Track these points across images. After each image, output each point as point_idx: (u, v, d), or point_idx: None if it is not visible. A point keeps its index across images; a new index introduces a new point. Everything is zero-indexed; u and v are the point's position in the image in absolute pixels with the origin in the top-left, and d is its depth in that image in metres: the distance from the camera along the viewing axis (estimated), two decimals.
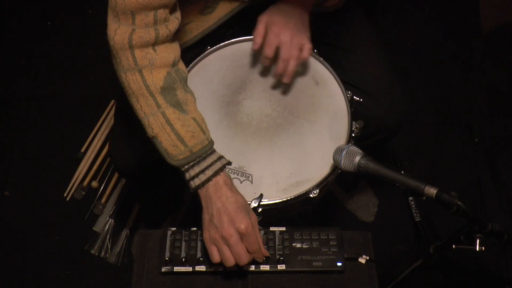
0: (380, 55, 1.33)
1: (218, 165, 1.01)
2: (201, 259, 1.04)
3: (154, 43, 0.98)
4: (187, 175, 1.01)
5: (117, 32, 0.96)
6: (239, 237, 0.96)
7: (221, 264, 0.98)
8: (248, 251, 0.97)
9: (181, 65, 1.06)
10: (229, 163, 1.04)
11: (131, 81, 0.98)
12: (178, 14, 1.04)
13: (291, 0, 1.21)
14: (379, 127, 1.30)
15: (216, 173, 1.00)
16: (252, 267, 1.04)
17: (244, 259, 0.96)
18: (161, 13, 0.97)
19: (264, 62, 1.22)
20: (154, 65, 0.98)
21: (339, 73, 1.25)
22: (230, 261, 0.96)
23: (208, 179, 0.99)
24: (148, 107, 0.99)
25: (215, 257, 0.97)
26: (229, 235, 0.95)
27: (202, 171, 1.00)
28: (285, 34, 1.17)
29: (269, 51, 1.19)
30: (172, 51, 1.02)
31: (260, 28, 1.20)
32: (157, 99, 0.99)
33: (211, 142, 1.04)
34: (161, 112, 0.99)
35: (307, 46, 1.19)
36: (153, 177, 1.44)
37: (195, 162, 1.00)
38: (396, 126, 1.34)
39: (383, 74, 1.30)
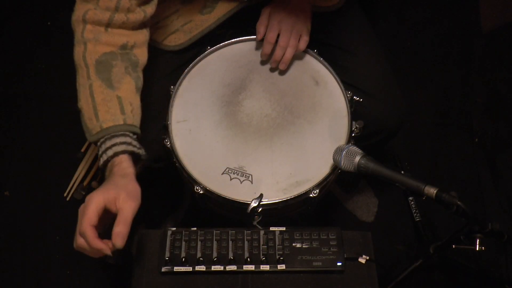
0: (379, 56, 1.33)
1: (122, 147, 0.96)
2: (201, 259, 1.04)
3: (107, 25, 1.01)
4: (98, 152, 0.98)
5: (79, 7, 1.01)
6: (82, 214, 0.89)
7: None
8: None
9: (139, 51, 1.06)
10: (139, 154, 0.99)
11: (75, 52, 1.03)
12: (149, 8, 1.05)
13: None
14: (379, 128, 1.30)
15: (115, 155, 0.96)
16: (252, 267, 1.04)
17: (79, 227, 0.88)
18: (125, 2, 0.99)
19: (262, 57, 1.25)
20: (98, 41, 1.01)
21: (338, 73, 1.25)
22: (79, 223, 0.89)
23: (108, 160, 0.96)
24: (81, 78, 1.02)
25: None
26: (86, 199, 0.90)
27: (106, 150, 0.97)
28: (286, 22, 1.21)
29: (267, 48, 1.22)
30: (127, 36, 1.04)
31: (263, 18, 1.24)
32: (90, 70, 1.01)
33: (128, 126, 1.00)
34: (89, 84, 1.00)
35: (305, 38, 1.22)
36: (153, 177, 1.44)
37: (103, 139, 0.98)
38: (396, 126, 1.34)
39: (382, 75, 1.30)
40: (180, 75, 1.25)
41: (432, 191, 0.92)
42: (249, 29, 1.31)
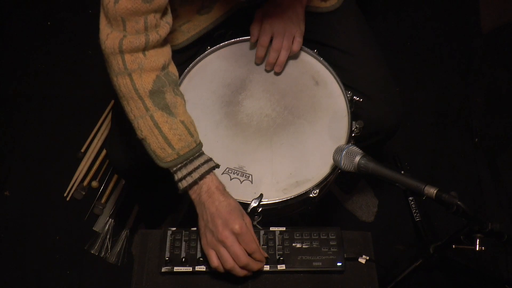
0: (377, 57, 1.33)
1: (205, 167, 1.02)
2: (201, 259, 1.04)
3: (144, 49, 1.00)
4: (176, 177, 1.03)
5: (109, 36, 0.98)
6: (235, 238, 0.97)
7: (220, 269, 0.99)
8: (247, 253, 0.98)
9: (172, 67, 1.08)
10: (217, 166, 1.05)
11: (121, 84, 1.00)
12: (169, 18, 1.05)
13: None
14: (376, 128, 1.30)
15: (202, 176, 1.01)
16: None
17: (243, 259, 0.97)
18: (152, 19, 0.98)
19: (257, 61, 1.25)
20: (143, 69, 1.00)
21: (337, 74, 1.25)
22: (228, 262, 0.97)
23: (195, 182, 1.01)
24: (137, 110, 1.01)
25: (214, 261, 0.98)
26: (224, 237, 0.96)
27: (189, 173, 1.01)
28: (279, 24, 1.21)
29: (260, 51, 1.23)
30: (162, 55, 1.04)
31: (256, 21, 1.24)
32: (145, 102, 1.01)
33: (199, 145, 1.05)
34: (150, 115, 1.01)
35: (298, 39, 1.22)
36: (153, 177, 1.44)
37: (182, 164, 1.02)
38: (394, 127, 1.34)
39: (380, 76, 1.30)
40: (178, 74, 1.25)
41: (432, 191, 0.92)
42: (248, 30, 1.31)
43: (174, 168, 1.02)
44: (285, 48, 1.22)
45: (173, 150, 1.01)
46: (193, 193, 1.02)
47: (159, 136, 1.01)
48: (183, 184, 1.01)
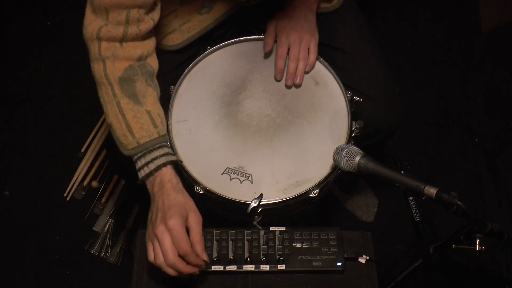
0: (377, 57, 1.33)
1: (163, 160, 1.02)
2: None
3: (122, 40, 1.03)
4: (136, 166, 1.04)
5: (92, 23, 1.01)
6: (169, 234, 0.94)
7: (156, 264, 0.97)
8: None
9: (151, 60, 1.10)
10: (178, 161, 1.06)
11: (95, 69, 1.05)
12: (155, 14, 1.06)
13: (296, 3, 1.23)
14: (376, 129, 1.30)
15: (158, 168, 1.01)
16: (252, 267, 1.04)
17: (169, 257, 0.93)
18: (135, 13, 1.00)
19: (277, 76, 1.25)
20: (116, 57, 1.03)
21: (337, 74, 1.25)
22: (158, 258, 0.95)
23: (150, 173, 1.01)
24: (106, 96, 1.05)
25: (150, 255, 0.97)
26: (159, 231, 0.95)
27: (147, 163, 1.02)
28: (294, 35, 1.23)
29: (280, 64, 1.24)
30: (141, 47, 1.06)
31: (270, 31, 1.26)
32: (114, 88, 1.04)
33: (162, 137, 1.06)
34: (117, 101, 1.04)
35: (313, 49, 1.24)
36: None
37: (141, 153, 1.03)
38: (394, 127, 1.34)
39: (380, 76, 1.30)
40: (178, 74, 1.25)
41: (432, 191, 0.92)
42: (249, 29, 1.31)
43: (135, 157, 1.04)
44: (302, 58, 1.23)
45: (133, 138, 1.03)
46: (148, 184, 1.03)
47: (122, 123, 1.03)
48: (141, 174, 1.02)
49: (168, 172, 1.02)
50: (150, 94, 1.07)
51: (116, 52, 1.03)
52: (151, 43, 1.09)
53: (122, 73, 1.03)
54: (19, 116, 2.03)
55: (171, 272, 0.96)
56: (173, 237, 0.94)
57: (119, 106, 1.03)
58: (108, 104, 1.05)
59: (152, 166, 1.01)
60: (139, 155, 1.03)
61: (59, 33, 2.20)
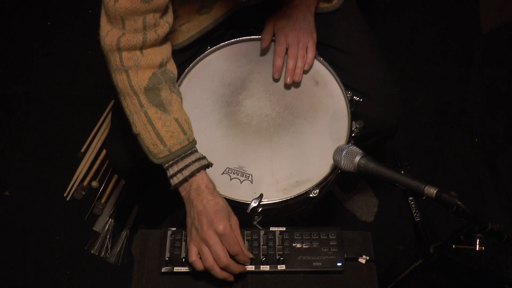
0: (377, 57, 1.33)
1: (196, 165, 1.03)
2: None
3: (142, 47, 1.02)
4: (168, 174, 1.04)
5: (109, 34, 1.00)
6: (218, 238, 0.97)
7: (197, 266, 0.99)
8: (230, 254, 0.99)
9: (170, 65, 1.09)
10: (210, 165, 1.06)
11: (118, 80, 1.03)
12: (169, 17, 1.06)
13: (294, 3, 1.23)
14: (376, 129, 1.30)
15: (193, 174, 1.02)
16: (252, 267, 1.04)
17: (223, 259, 0.97)
18: (151, 18, 0.99)
19: (275, 75, 1.25)
20: (139, 66, 1.02)
21: (337, 74, 1.25)
22: (208, 261, 0.97)
23: (185, 179, 1.02)
24: (132, 106, 1.04)
25: (192, 255, 0.99)
26: (208, 236, 0.97)
27: (180, 170, 1.02)
28: (292, 35, 1.23)
29: (279, 62, 1.23)
30: (161, 53, 1.05)
31: (268, 29, 1.26)
32: (140, 98, 1.03)
33: (192, 143, 1.06)
34: (144, 111, 1.03)
35: (311, 49, 1.24)
36: (153, 177, 1.44)
37: (174, 161, 1.03)
38: (393, 127, 1.34)
39: (379, 76, 1.30)
40: (178, 74, 1.25)
41: (432, 191, 0.92)
42: (249, 30, 1.31)
43: (166, 165, 1.04)
44: (301, 56, 1.24)
45: (165, 146, 1.03)
46: (183, 190, 1.03)
47: (152, 132, 1.03)
48: (174, 181, 1.03)
49: (204, 178, 1.03)
50: (175, 101, 1.07)
51: (139, 61, 1.01)
52: (168, 48, 1.09)
53: (147, 82, 1.03)
54: (19, 116, 2.03)
55: (222, 274, 0.99)
56: (225, 240, 0.97)
57: (147, 116, 1.03)
58: (135, 114, 1.04)
59: (186, 172, 1.02)
60: (170, 162, 1.03)
61: (59, 33, 2.20)
